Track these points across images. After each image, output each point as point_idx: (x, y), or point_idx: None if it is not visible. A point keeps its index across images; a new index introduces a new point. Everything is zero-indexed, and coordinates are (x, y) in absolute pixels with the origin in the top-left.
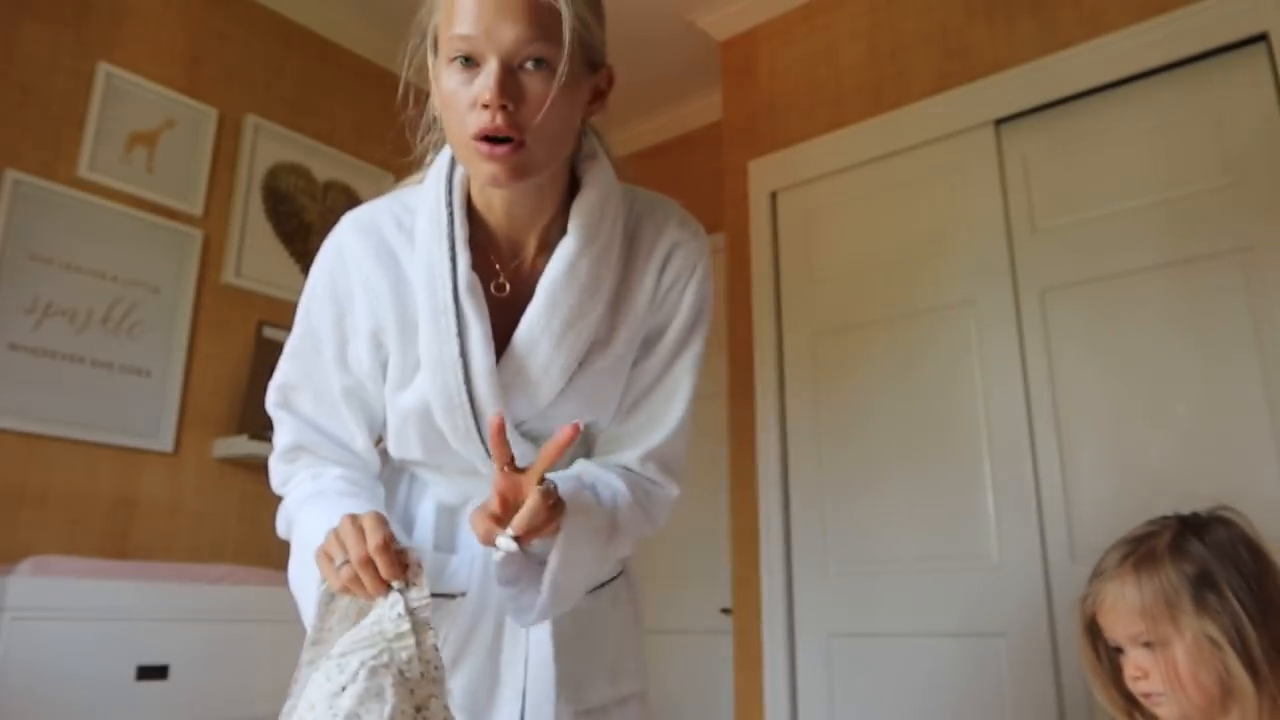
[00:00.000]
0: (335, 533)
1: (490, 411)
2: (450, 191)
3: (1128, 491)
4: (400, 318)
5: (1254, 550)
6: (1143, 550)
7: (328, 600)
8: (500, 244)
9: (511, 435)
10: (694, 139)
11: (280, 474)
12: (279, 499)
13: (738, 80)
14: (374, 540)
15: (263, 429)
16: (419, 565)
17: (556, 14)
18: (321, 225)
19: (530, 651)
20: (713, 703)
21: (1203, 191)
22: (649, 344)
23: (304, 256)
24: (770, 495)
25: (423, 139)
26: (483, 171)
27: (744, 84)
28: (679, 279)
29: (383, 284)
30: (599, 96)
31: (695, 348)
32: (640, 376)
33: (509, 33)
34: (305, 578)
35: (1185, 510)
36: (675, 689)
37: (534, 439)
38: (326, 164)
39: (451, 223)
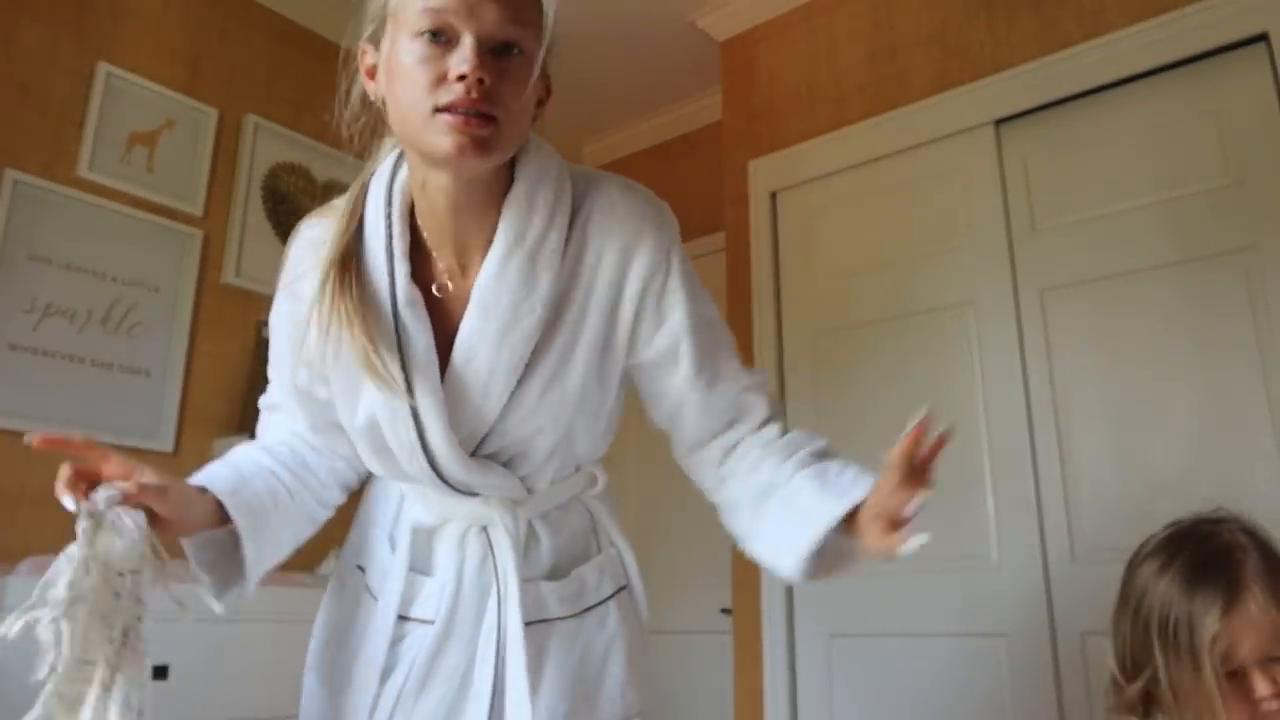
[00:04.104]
0: None
1: (434, 425)
2: (390, 201)
3: (1128, 491)
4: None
5: None
6: None
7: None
8: (448, 248)
9: (470, 462)
10: (694, 139)
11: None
12: None
13: (738, 80)
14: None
15: None
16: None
17: (534, 3)
18: None
19: (508, 687)
20: (713, 703)
21: (1203, 192)
22: (669, 355)
23: None
24: None
25: (349, 125)
26: (445, 145)
27: (744, 84)
28: (654, 276)
29: None
30: (539, 104)
31: (702, 317)
32: (681, 382)
33: (490, 12)
34: None
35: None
36: (675, 689)
37: (505, 460)
38: (326, 164)
39: (390, 233)
